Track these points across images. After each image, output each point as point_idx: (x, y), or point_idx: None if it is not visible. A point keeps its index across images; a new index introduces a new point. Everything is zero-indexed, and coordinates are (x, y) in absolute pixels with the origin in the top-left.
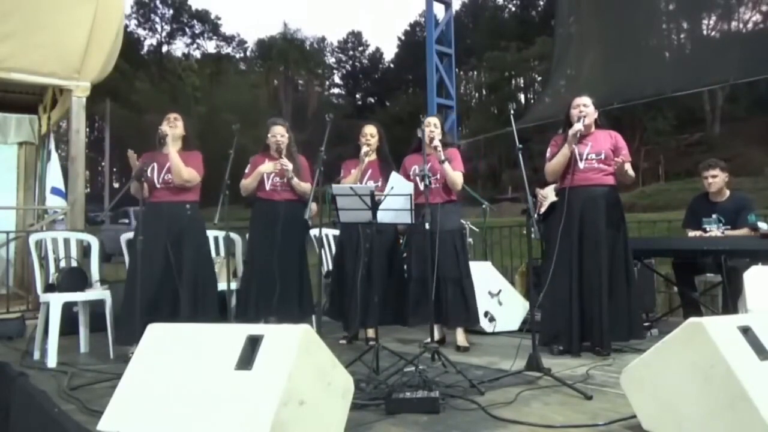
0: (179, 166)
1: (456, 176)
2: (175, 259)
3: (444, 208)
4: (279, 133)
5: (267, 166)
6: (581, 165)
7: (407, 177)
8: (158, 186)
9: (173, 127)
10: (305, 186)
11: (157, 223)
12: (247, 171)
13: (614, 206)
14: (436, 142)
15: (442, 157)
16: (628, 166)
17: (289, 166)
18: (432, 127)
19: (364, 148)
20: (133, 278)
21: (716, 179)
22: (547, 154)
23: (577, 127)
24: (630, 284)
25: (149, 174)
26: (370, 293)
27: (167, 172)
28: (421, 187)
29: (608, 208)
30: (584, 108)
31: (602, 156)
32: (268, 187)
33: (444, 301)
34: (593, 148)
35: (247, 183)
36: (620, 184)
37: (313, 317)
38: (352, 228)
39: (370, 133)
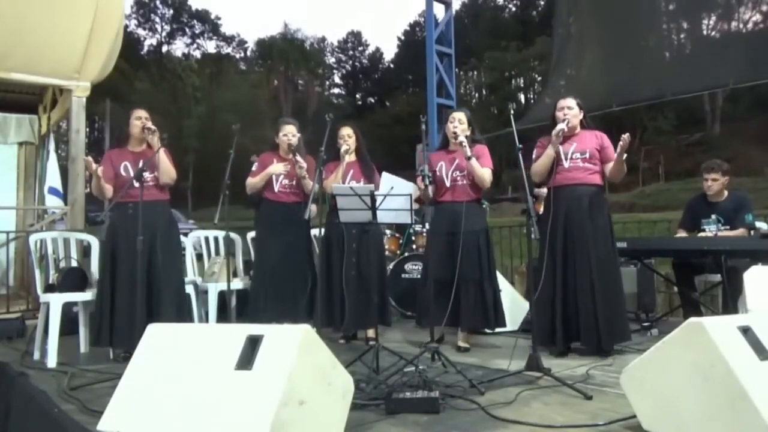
0: (169, 165)
1: (484, 173)
2: (159, 260)
3: (469, 207)
4: (291, 132)
5: (278, 167)
6: (566, 164)
7: (434, 173)
8: (136, 185)
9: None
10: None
11: (136, 223)
12: (254, 168)
13: (599, 206)
14: (462, 138)
15: (469, 153)
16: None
17: (305, 165)
18: (456, 122)
19: (344, 147)
20: (108, 279)
21: (715, 183)
22: (534, 155)
23: (560, 127)
24: (616, 285)
25: (123, 173)
26: (360, 293)
27: (145, 170)
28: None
29: (593, 207)
30: (568, 111)
31: (587, 155)
32: (277, 188)
33: (461, 304)
34: (578, 148)
35: (255, 182)
36: (610, 183)
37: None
38: (338, 227)
39: (347, 134)
